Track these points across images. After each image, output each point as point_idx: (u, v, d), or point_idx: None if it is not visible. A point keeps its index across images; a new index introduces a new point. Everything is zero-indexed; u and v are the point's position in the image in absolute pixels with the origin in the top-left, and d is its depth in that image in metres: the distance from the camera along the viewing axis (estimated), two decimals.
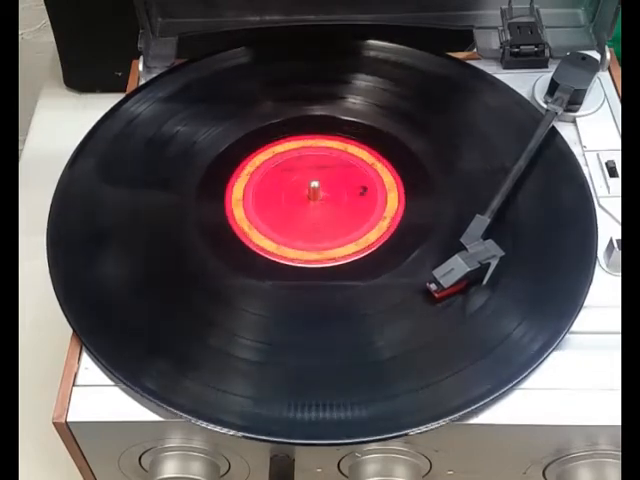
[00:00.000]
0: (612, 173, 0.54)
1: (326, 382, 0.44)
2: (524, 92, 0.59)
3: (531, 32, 0.63)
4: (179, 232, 0.52)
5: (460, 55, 0.63)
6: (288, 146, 0.57)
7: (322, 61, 0.63)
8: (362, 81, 0.61)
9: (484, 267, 0.47)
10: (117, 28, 0.67)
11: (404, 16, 0.65)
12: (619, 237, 0.49)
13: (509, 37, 0.62)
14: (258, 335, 0.47)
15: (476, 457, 0.46)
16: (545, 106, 0.57)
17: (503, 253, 0.47)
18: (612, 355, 0.45)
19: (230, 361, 0.45)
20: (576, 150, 0.55)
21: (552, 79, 0.57)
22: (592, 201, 0.52)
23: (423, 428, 0.42)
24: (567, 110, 0.57)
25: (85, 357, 0.46)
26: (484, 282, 0.47)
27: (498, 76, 0.61)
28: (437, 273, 0.47)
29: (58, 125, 0.76)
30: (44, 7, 0.73)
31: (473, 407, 0.42)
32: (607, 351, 0.45)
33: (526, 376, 0.44)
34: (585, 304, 0.47)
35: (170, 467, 0.46)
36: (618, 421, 0.42)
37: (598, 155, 0.55)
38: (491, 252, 0.47)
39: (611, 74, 0.61)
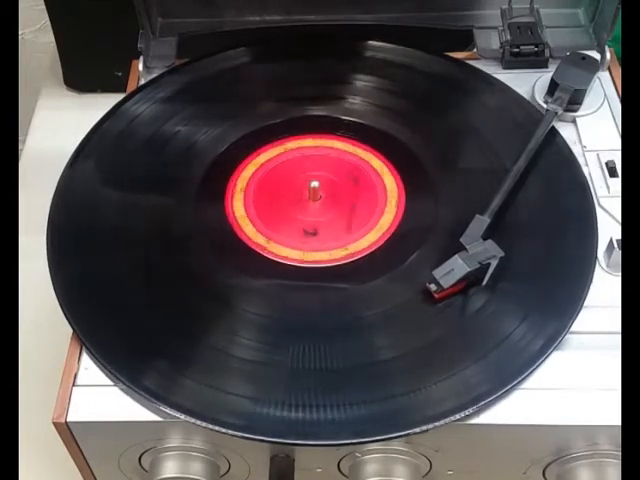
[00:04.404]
0: (612, 173, 0.54)
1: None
2: (524, 92, 0.59)
3: (531, 32, 0.63)
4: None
5: (460, 55, 0.63)
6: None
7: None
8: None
9: (484, 267, 0.47)
10: (117, 28, 0.67)
11: (404, 16, 0.65)
12: (619, 237, 0.49)
13: (509, 37, 0.62)
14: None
15: (476, 457, 0.46)
16: (545, 106, 0.57)
17: (503, 253, 0.47)
18: (612, 355, 0.45)
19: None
20: (576, 150, 0.55)
21: (552, 79, 0.57)
22: (592, 201, 0.52)
23: (423, 428, 0.42)
24: (567, 110, 0.57)
25: (85, 357, 0.46)
26: (484, 282, 0.47)
27: (498, 76, 0.61)
28: (437, 273, 0.47)
29: (58, 125, 0.76)
30: (44, 7, 0.73)
31: (474, 407, 0.42)
32: (607, 351, 0.45)
33: (526, 376, 0.44)
34: (585, 304, 0.47)
35: (170, 467, 0.46)
36: (618, 421, 0.42)
37: (598, 155, 0.55)
38: (491, 252, 0.47)
39: (611, 74, 0.61)
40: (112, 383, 0.45)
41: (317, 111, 0.59)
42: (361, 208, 0.53)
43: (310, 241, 0.51)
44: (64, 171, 0.55)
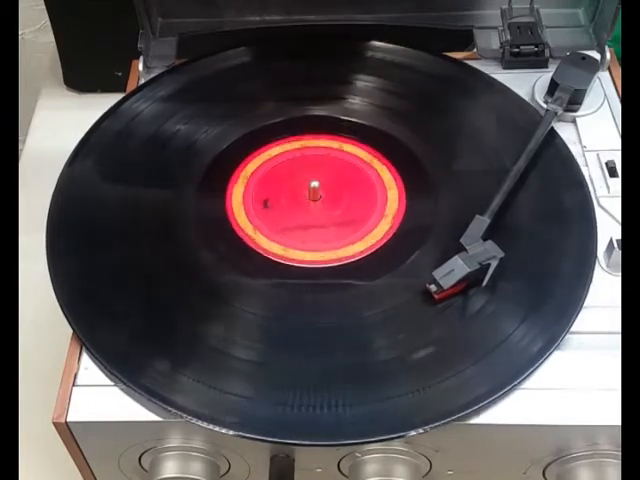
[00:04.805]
0: (612, 173, 0.54)
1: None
2: (524, 92, 0.59)
3: (531, 32, 0.63)
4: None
5: (460, 55, 0.63)
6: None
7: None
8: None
9: (484, 268, 0.47)
10: (117, 28, 0.67)
11: (404, 16, 0.65)
12: (619, 237, 0.49)
13: (509, 37, 0.62)
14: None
15: (476, 457, 0.46)
16: (545, 106, 0.57)
17: (503, 254, 0.47)
18: (612, 355, 0.45)
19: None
20: (576, 150, 0.55)
21: (552, 79, 0.57)
22: (592, 201, 0.52)
23: (423, 428, 0.42)
24: (567, 110, 0.57)
25: (85, 357, 0.46)
26: (484, 283, 0.47)
27: (498, 76, 0.61)
28: (437, 274, 0.47)
29: (58, 125, 0.76)
30: (44, 7, 0.73)
31: (474, 407, 0.42)
32: (607, 351, 0.45)
33: (527, 376, 0.44)
34: (585, 304, 0.47)
35: (170, 467, 0.46)
36: (618, 421, 0.42)
37: (598, 155, 0.55)
38: (491, 253, 0.47)
39: (611, 74, 0.61)
40: (112, 383, 0.45)
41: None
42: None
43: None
44: (63, 170, 0.55)
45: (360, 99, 0.60)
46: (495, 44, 0.63)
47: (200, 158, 0.56)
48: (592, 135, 0.56)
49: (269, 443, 0.43)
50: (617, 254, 0.48)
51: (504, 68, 0.62)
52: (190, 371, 0.45)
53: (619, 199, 0.52)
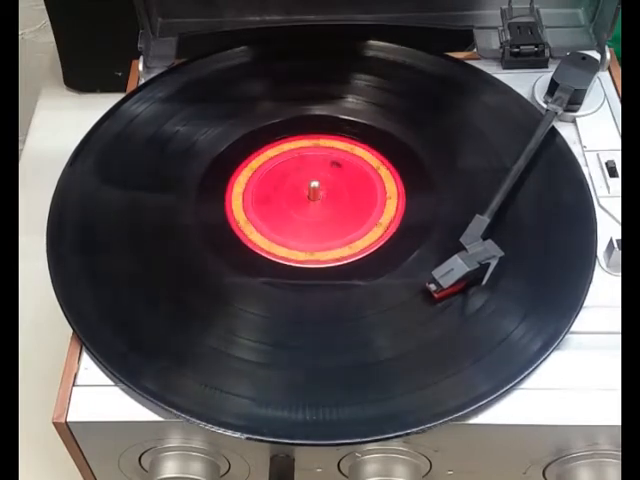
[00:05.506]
0: (612, 173, 0.54)
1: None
2: (524, 92, 0.59)
3: (531, 32, 0.63)
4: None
5: (460, 55, 0.63)
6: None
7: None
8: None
9: (484, 267, 0.47)
10: (117, 28, 0.67)
11: (404, 16, 0.65)
12: (619, 237, 0.49)
13: (509, 37, 0.62)
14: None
15: (476, 457, 0.46)
16: (545, 106, 0.57)
17: (502, 253, 0.47)
18: (612, 355, 0.45)
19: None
20: (576, 150, 0.55)
21: (552, 79, 0.57)
22: (592, 201, 0.52)
23: (422, 428, 0.42)
24: (567, 110, 0.57)
25: (85, 357, 0.46)
26: (484, 282, 0.47)
27: (498, 76, 0.61)
28: (436, 273, 0.47)
29: (58, 125, 0.76)
30: (44, 7, 0.73)
31: (473, 407, 0.42)
32: (607, 351, 0.45)
33: (526, 376, 0.44)
34: (585, 304, 0.47)
35: (170, 467, 0.46)
36: (618, 421, 0.42)
37: (598, 155, 0.55)
38: (490, 252, 0.47)
39: (611, 74, 0.61)
40: (112, 383, 0.45)
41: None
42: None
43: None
44: (64, 170, 0.55)
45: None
46: (495, 44, 0.63)
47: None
48: (592, 135, 0.56)
49: (269, 443, 0.43)
50: (617, 254, 0.48)
51: (504, 68, 0.62)
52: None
53: (619, 199, 0.52)
